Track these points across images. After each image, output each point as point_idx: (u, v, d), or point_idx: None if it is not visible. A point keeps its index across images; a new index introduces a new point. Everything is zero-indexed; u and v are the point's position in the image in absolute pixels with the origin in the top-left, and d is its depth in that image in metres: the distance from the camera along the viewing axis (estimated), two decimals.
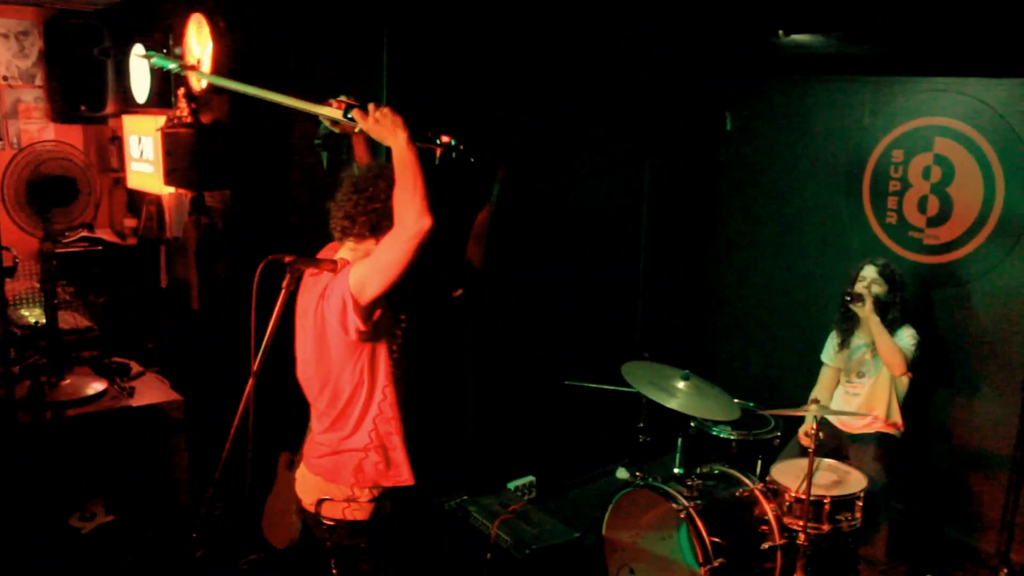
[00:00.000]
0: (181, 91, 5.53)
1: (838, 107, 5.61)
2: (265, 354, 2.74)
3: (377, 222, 2.94)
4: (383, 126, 2.88)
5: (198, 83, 5.51)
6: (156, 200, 6.26)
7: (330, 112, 3.12)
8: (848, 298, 4.60)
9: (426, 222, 2.71)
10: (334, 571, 3.15)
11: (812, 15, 4.58)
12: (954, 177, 5.07)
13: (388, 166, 2.96)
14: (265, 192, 5.46)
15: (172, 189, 5.91)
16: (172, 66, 3.38)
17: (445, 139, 3.12)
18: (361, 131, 3.03)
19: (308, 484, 3.18)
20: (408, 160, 2.80)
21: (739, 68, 6.02)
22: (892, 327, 4.58)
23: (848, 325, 4.77)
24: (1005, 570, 4.47)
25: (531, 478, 5.27)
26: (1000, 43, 4.59)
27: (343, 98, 3.11)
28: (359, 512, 3.07)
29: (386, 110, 2.89)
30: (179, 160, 5.43)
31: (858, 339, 4.74)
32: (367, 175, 3.02)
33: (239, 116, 5.37)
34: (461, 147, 3.12)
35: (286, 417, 5.08)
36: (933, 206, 5.17)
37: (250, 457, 2.98)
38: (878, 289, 4.61)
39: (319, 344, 2.98)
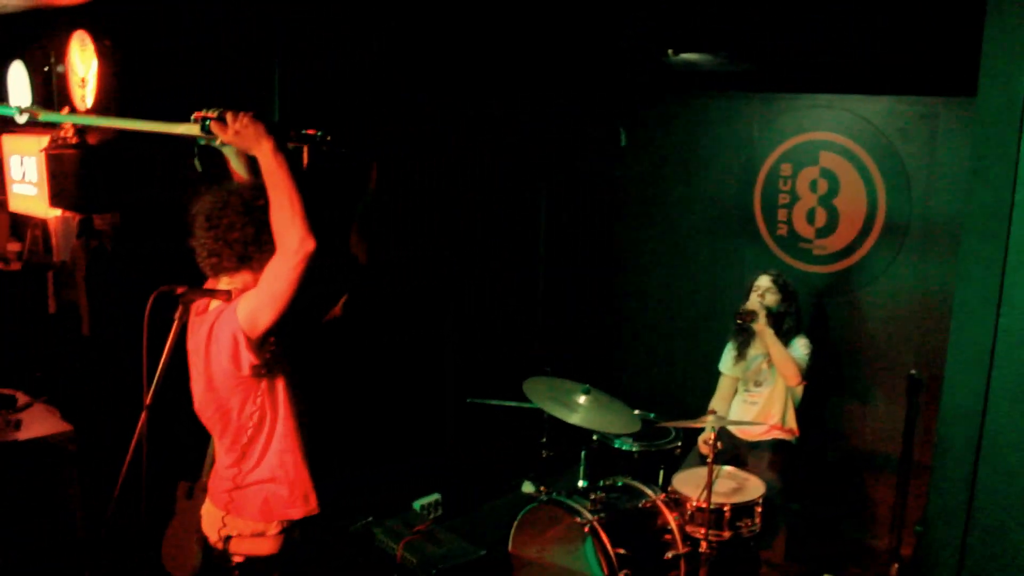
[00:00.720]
0: (65, 110, 5.36)
1: (729, 122, 5.76)
2: (158, 386, 2.65)
3: (243, 253, 2.78)
4: (244, 136, 2.68)
5: (83, 103, 5.36)
6: (41, 223, 6.05)
7: (188, 130, 2.87)
8: (740, 319, 4.70)
9: (309, 244, 2.56)
10: None
11: (699, 36, 4.70)
12: (840, 189, 5.26)
13: (235, 188, 2.83)
14: (156, 214, 5.31)
15: (58, 212, 5.72)
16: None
17: (310, 132, 2.86)
18: (224, 144, 2.82)
19: (212, 519, 3.07)
20: (279, 175, 2.61)
21: (632, 85, 6.13)
22: (787, 337, 4.71)
23: (744, 337, 4.89)
24: (896, 565, 4.63)
25: (436, 496, 5.25)
26: (877, 62, 4.80)
27: (202, 112, 2.84)
28: (268, 546, 2.99)
29: (245, 118, 2.68)
30: (65, 182, 5.25)
31: (754, 350, 4.87)
32: (214, 206, 2.80)
33: (127, 136, 5.23)
34: (329, 138, 2.88)
35: (181, 446, 4.96)
36: (821, 217, 5.36)
37: (144, 495, 2.89)
38: (772, 298, 4.75)
39: (213, 384, 2.87)
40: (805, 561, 4.97)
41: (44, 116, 3.25)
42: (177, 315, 2.64)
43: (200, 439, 4.66)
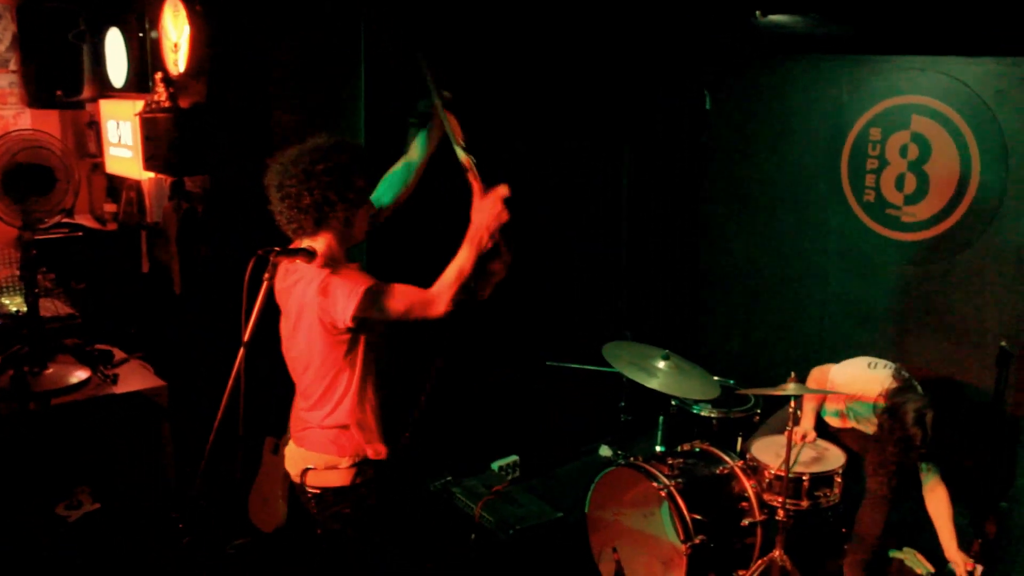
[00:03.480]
0: (159, 75, 5.51)
1: (817, 86, 5.62)
2: (250, 336, 2.77)
3: (318, 215, 2.91)
4: (484, 211, 2.98)
5: (175, 67, 5.49)
6: (136, 185, 6.23)
7: (460, 155, 3.15)
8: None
9: (442, 310, 2.91)
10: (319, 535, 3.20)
11: None
12: (931, 155, 5.10)
13: (294, 157, 2.94)
14: (245, 177, 5.42)
15: (152, 174, 5.88)
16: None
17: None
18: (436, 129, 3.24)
19: (294, 456, 3.25)
20: (476, 250, 2.94)
21: (718, 49, 6.03)
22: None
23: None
24: (979, 541, 4.55)
25: (515, 458, 5.31)
26: (975, 22, 4.63)
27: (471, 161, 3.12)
28: (340, 478, 3.13)
29: (498, 204, 2.99)
30: (158, 145, 5.41)
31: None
32: (282, 177, 2.93)
33: (217, 100, 5.35)
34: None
35: (269, 403, 5.12)
36: (910, 183, 5.22)
37: (241, 435, 3.01)
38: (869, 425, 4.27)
39: (305, 330, 3.04)
40: (891, 533, 4.89)
41: None
42: (267, 275, 2.76)
43: (285, 398, 4.82)
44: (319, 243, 2.97)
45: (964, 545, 4.69)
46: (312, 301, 2.94)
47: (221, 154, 5.44)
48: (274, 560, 4.53)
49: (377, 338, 3.08)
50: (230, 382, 2.72)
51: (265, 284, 2.76)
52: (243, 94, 5.33)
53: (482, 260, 2.98)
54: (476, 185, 3.06)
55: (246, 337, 2.72)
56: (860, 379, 4.34)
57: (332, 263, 2.98)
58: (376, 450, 3.16)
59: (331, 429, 3.12)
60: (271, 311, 3.23)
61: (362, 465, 3.14)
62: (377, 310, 2.89)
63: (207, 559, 4.23)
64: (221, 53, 5.28)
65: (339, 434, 3.11)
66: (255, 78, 5.27)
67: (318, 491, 3.15)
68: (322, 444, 3.14)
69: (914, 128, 5.15)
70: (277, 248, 2.83)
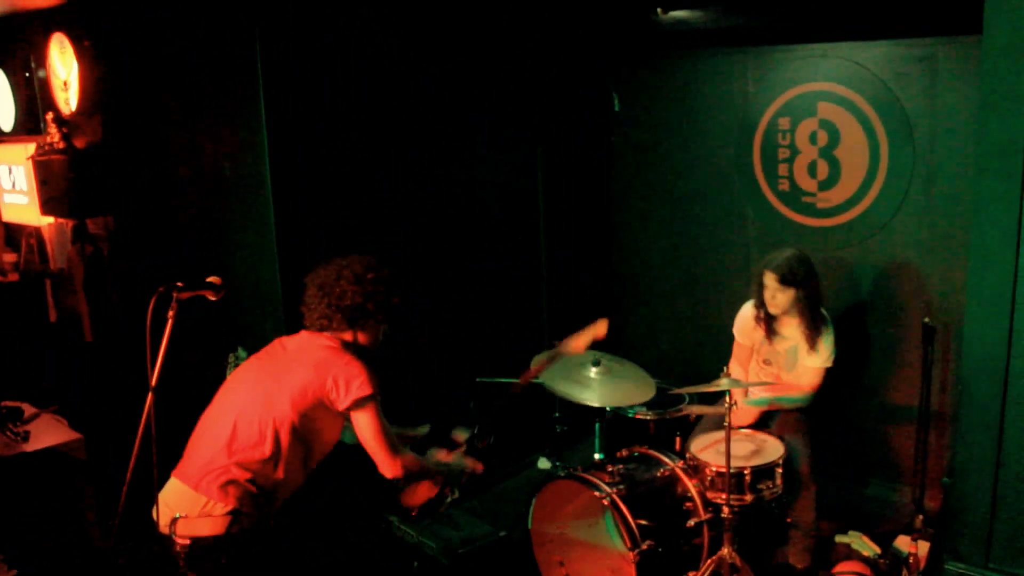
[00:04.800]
0: (50, 115, 5.31)
1: (723, 79, 5.65)
2: (159, 375, 2.64)
3: (352, 316, 3.22)
4: (464, 468, 3.62)
5: (67, 106, 5.28)
6: (35, 232, 6.00)
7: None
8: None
9: (389, 476, 3.25)
10: None
11: None
12: (840, 140, 5.16)
13: (347, 263, 3.27)
14: (150, 215, 5.26)
15: (51, 219, 5.67)
16: None
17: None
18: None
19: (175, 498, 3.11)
20: (440, 471, 3.55)
21: (622, 48, 6.02)
22: (821, 326, 4.49)
23: (768, 316, 4.61)
24: (920, 516, 4.59)
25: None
26: (871, 6, 4.69)
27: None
28: (213, 527, 3.03)
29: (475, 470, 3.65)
30: (55, 188, 5.20)
31: (784, 330, 4.62)
32: (329, 277, 3.25)
33: (114, 138, 5.17)
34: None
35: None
36: (823, 170, 5.26)
37: (156, 486, 2.86)
38: (783, 298, 4.42)
39: (288, 380, 3.16)
40: (831, 520, 4.91)
41: None
42: (172, 312, 2.63)
43: None
44: (346, 336, 3.28)
45: (906, 521, 4.76)
46: (327, 364, 3.14)
47: (123, 193, 5.25)
48: None
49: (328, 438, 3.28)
50: (140, 430, 2.58)
51: (170, 323, 2.63)
52: (141, 129, 5.15)
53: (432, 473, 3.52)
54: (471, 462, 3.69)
55: (153, 381, 2.58)
56: (743, 314, 4.72)
57: (354, 351, 3.25)
58: (265, 513, 3.15)
59: (236, 478, 3.06)
60: (187, 352, 3.10)
61: (240, 519, 3.06)
62: (361, 416, 3.15)
63: None
64: (114, 89, 5.10)
65: (235, 486, 3.05)
66: (152, 111, 5.09)
67: (190, 542, 3.03)
68: (209, 488, 3.05)
69: (821, 115, 5.21)
70: (179, 283, 2.70)
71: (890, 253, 5.14)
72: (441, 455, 3.66)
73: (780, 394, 4.64)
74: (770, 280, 4.44)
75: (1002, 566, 3.00)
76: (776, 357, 4.70)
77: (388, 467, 3.22)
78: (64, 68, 5.25)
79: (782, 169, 5.44)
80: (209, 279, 2.82)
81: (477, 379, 4.93)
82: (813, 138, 5.26)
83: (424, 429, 3.82)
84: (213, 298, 2.82)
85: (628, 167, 6.28)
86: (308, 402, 3.12)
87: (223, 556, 3.01)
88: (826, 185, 5.27)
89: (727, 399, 4.00)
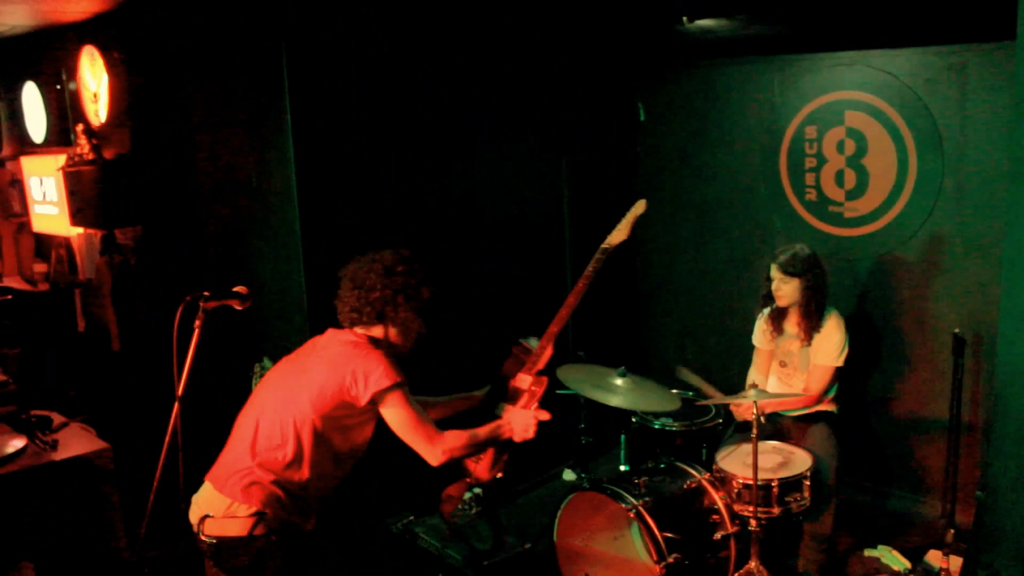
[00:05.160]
0: (80, 127, 5.36)
1: (749, 89, 5.62)
2: (185, 389, 2.65)
3: (381, 310, 3.15)
4: (522, 421, 3.37)
5: (96, 117, 5.33)
6: (65, 242, 6.05)
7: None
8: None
9: (436, 464, 3.14)
10: None
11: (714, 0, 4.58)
12: (868, 149, 5.11)
13: (379, 256, 3.21)
14: (177, 225, 5.30)
15: (80, 229, 5.73)
16: None
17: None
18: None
19: (206, 500, 3.12)
20: (494, 439, 3.31)
21: (648, 57, 6.00)
22: (817, 319, 4.56)
23: (777, 313, 4.73)
24: (952, 531, 4.51)
25: (477, 490, 5.17)
26: (898, 14, 4.65)
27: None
28: (238, 528, 3.01)
29: (535, 425, 3.38)
30: (84, 199, 5.25)
31: (788, 327, 4.71)
32: (359, 269, 3.20)
33: (142, 149, 5.21)
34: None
35: (217, 455, 4.93)
36: (850, 179, 5.21)
37: (182, 494, 2.87)
38: (788, 289, 4.51)
39: (311, 377, 3.09)
40: (855, 533, 4.86)
41: None
42: (198, 322, 2.64)
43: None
44: (376, 332, 3.20)
45: (937, 536, 4.68)
46: (344, 360, 3.05)
47: (150, 203, 5.29)
48: None
49: (357, 438, 3.17)
50: (166, 439, 2.58)
51: (196, 332, 2.64)
52: (168, 140, 5.20)
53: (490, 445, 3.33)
54: (532, 401, 3.49)
55: (180, 391, 2.59)
56: (759, 320, 4.82)
57: (378, 345, 3.17)
58: (299, 520, 3.13)
59: (260, 480, 3.04)
60: (213, 362, 3.11)
61: (264, 520, 3.04)
62: (388, 410, 3.06)
63: None
64: (142, 100, 5.15)
65: (259, 487, 3.03)
66: (178, 122, 5.14)
67: (215, 541, 3.03)
68: (233, 490, 3.04)
69: (848, 123, 5.16)
70: (206, 292, 2.72)
71: (919, 263, 5.08)
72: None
73: (793, 405, 4.65)
74: (775, 272, 4.56)
75: None
76: (791, 358, 4.68)
77: (430, 456, 3.12)
78: (94, 80, 5.30)
79: (809, 178, 5.39)
80: (235, 289, 2.83)
81: None
82: (841, 147, 5.21)
83: (486, 389, 3.73)
84: (239, 307, 2.82)
85: (653, 177, 6.25)
86: (329, 402, 3.05)
87: (245, 556, 2.99)
88: (854, 195, 5.22)
89: (754, 411, 3.97)
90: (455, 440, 3.15)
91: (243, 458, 3.05)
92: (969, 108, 4.77)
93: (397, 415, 3.07)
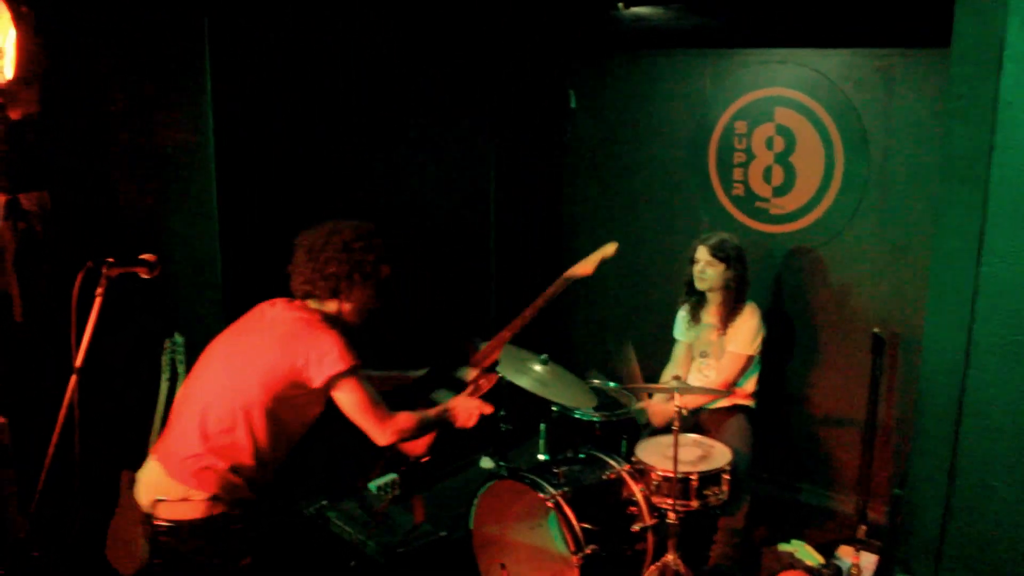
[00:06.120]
0: None
1: (681, 81, 5.60)
2: (84, 355, 2.48)
3: (336, 287, 3.08)
4: (468, 410, 3.42)
5: (1, 74, 5.05)
6: None
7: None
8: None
9: (384, 444, 3.12)
10: None
11: None
12: (796, 146, 5.14)
13: (337, 228, 3.13)
14: (87, 192, 5.06)
15: None
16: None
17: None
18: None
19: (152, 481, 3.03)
20: (441, 423, 3.35)
21: (582, 43, 5.94)
22: (734, 308, 4.60)
23: (696, 302, 4.77)
24: (864, 527, 4.57)
25: (393, 476, 5.06)
26: (831, 14, 4.67)
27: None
28: (195, 511, 2.95)
29: (478, 415, 3.43)
30: None
31: (706, 316, 4.74)
32: (316, 241, 3.10)
33: (51, 110, 4.95)
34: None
35: (123, 434, 4.73)
36: (778, 176, 5.24)
37: (77, 472, 2.72)
38: (713, 272, 4.58)
39: (256, 358, 2.99)
40: (768, 527, 4.90)
41: None
42: (100, 290, 2.48)
43: (141, 426, 4.45)
44: (329, 307, 3.12)
45: (848, 531, 4.75)
46: (296, 339, 2.97)
47: (59, 168, 5.04)
48: None
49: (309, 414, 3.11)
50: (62, 412, 2.42)
51: (98, 300, 2.48)
52: (80, 102, 4.95)
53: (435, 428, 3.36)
54: (477, 394, 3.67)
55: (78, 362, 2.43)
56: (680, 311, 4.91)
57: (332, 323, 3.08)
58: (248, 495, 3.04)
59: (212, 465, 2.96)
60: (121, 337, 2.95)
61: (221, 501, 2.97)
62: (341, 394, 3.00)
63: None
64: (53, 58, 4.89)
65: (213, 472, 2.95)
66: (92, 83, 4.90)
67: (171, 524, 2.95)
68: (184, 476, 2.95)
69: (778, 120, 5.18)
70: (110, 259, 2.55)
71: (841, 262, 5.14)
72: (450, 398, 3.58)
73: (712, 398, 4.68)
74: (702, 254, 4.59)
75: None
76: (711, 347, 4.72)
77: (379, 436, 3.09)
78: (0, 34, 5.01)
79: (737, 173, 5.41)
80: (142, 256, 2.67)
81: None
82: (769, 143, 5.23)
83: (422, 371, 3.75)
84: (147, 276, 2.67)
85: (581, 164, 6.20)
86: (279, 382, 2.96)
87: (202, 539, 2.94)
88: (781, 191, 5.25)
89: (674, 406, 3.95)
90: (405, 422, 3.15)
91: (193, 443, 2.95)
92: (894, 110, 4.83)
93: (350, 399, 3.02)
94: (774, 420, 5.27)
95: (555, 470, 4.13)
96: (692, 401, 4.57)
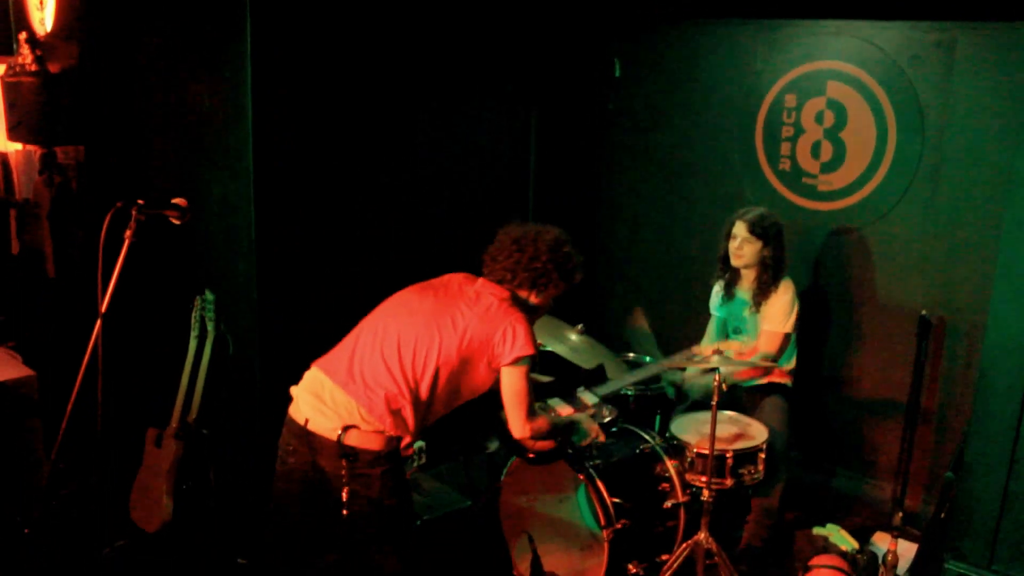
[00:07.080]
0: (23, 36, 5.04)
1: (729, 52, 5.44)
2: (110, 301, 2.41)
3: (535, 280, 3.27)
4: (587, 429, 3.70)
5: (41, 26, 5.02)
6: (1, 158, 5.73)
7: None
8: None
9: (517, 436, 3.32)
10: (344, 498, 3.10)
11: None
12: (847, 122, 4.98)
13: (548, 229, 3.35)
14: (122, 147, 5.03)
15: (19, 145, 5.43)
16: None
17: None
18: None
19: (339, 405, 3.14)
20: (569, 435, 3.67)
21: (628, 11, 5.79)
22: (769, 286, 4.47)
23: (730, 278, 4.64)
24: (900, 513, 4.45)
25: (421, 443, 4.99)
26: None
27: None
28: (375, 443, 3.10)
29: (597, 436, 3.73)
30: (24, 113, 4.96)
31: (740, 290, 4.61)
32: (528, 233, 3.32)
33: (90, 64, 4.92)
34: None
35: (151, 390, 4.70)
36: (827, 151, 5.08)
37: (100, 421, 2.65)
38: (750, 249, 4.43)
39: (458, 328, 3.17)
40: (801, 509, 4.79)
41: None
42: (129, 232, 2.41)
43: (169, 384, 4.41)
44: (521, 295, 3.32)
45: (883, 518, 4.64)
46: (497, 318, 3.17)
47: (96, 122, 5.01)
48: (156, 561, 4.15)
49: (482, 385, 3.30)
50: (85, 360, 2.35)
51: (127, 243, 2.41)
52: (118, 56, 4.91)
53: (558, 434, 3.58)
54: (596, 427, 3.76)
55: (103, 307, 2.36)
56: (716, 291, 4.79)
57: (524, 310, 3.28)
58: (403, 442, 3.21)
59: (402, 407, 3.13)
60: (150, 285, 2.88)
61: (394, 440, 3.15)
62: (513, 373, 3.18)
63: (80, 562, 3.84)
64: (93, 12, 4.85)
65: (402, 412, 3.13)
66: (130, 37, 4.85)
67: (353, 449, 3.08)
68: (383, 413, 3.10)
69: (830, 94, 5.02)
70: (141, 201, 2.48)
71: (889, 243, 4.98)
72: (565, 412, 3.86)
73: (748, 375, 4.58)
74: (740, 229, 4.45)
75: (1007, 568, 2.84)
76: (744, 324, 4.61)
77: (519, 428, 3.27)
78: None
79: (785, 148, 5.25)
80: (174, 200, 2.60)
81: None
82: (819, 118, 5.07)
83: (549, 378, 3.95)
84: (177, 221, 2.60)
85: (624, 136, 6.06)
86: (474, 351, 3.16)
87: (377, 468, 3.08)
88: (829, 168, 5.10)
89: (714, 379, 3.84)
90: (543, 423, 3.37)
91: (385, 377, 3.12)
92: (954, 88, 4.65)
93: (516, 384, 3.21)
94: (810, 401, 5.15)
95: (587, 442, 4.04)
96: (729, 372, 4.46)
